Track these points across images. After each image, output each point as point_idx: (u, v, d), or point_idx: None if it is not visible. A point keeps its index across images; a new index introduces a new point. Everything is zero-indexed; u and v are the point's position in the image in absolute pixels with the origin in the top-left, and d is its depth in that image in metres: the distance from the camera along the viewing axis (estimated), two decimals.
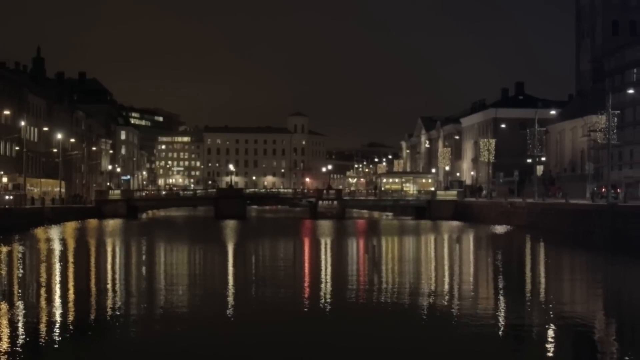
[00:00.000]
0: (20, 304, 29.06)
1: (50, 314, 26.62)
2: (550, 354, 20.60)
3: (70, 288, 34.68)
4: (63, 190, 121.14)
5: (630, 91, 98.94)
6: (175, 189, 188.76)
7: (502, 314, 27.52)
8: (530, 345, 22.08)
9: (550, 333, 23.77)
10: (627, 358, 20.45)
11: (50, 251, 54.27)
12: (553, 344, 21.99)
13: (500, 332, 23.92)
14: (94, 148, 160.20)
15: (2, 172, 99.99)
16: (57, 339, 22.14)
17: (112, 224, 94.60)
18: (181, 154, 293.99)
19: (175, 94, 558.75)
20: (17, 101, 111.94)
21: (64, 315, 26.65)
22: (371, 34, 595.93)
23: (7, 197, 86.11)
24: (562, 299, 32.24)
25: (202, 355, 20.27)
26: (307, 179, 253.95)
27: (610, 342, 23.24)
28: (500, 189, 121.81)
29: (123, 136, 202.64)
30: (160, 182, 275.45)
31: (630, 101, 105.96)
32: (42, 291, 33.38)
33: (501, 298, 31.99)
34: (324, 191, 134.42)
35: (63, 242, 64.31)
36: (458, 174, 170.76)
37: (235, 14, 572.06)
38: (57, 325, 24.62)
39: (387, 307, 28.95)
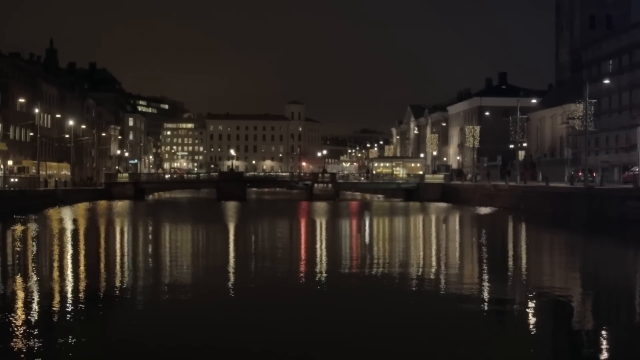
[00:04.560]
0: (34, 278, 29.02)
1: (63, 288, 26.60)
2: (531, 326, 20.61)
3: (82, 264, 34.63)
4: (68, 173, 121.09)
5: (606, 81, 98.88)
6: (178, 172, 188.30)
7: (486, 289, 27.53)
8: (512, 318, 22.09)
9: (531, 306, 23.79)
10: (602, 328, 20.46)
11: (62, 230, 54.21)
12: (534, 317, 22.00)
13: (483, 305, 23.92)
14: (103, 134, 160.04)
15: (11, 156, 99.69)
16: (70, 311, 22.11)
17: (121, 204, 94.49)
18: (185, 139, 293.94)
19: (180, 84, 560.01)
20: (32, 90, 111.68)
21: (76, 288, 26.62)
22: (365, 30, 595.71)
23: (12, 180, 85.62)
24: (542, 275, 32.27)
25: (205, 325, 20.24)
26: (304, 163, 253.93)
27: (587, 314, 23.26)
28: (484, 173, 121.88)
29: (131, 123, 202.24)
30: (166, 165, 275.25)
31: (606, 90, 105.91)
32: (55, 266, 33.37)
33: (485, 274, 32.00)
34: (320, 174, 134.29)
35: (75, 221, 64.23)
36: (445, 159, 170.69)
37: (238, 14, 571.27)
38: (70, 297, 24.60)
39: (378, 282, 28.93)
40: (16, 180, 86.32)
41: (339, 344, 17.98)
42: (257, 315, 21.66)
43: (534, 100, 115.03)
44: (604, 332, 19.89)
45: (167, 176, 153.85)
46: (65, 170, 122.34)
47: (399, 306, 23.33)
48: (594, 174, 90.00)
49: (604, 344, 18.50)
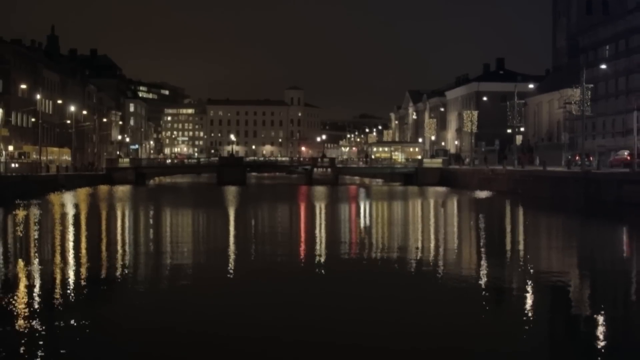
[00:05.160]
0: (36, 262, 29.02)
1: (65, 271, 26.58)
2: (529, 308, 20.61)
3: (83, 247, 34.65)
4: (69, 158, 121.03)
5: (603, 66, 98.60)
6: (178, 157, 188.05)
7: (484, 271, 27.53)
8: (510, 300, 22.09)
9: (529, 289, 23.78)
10: (599, 309, 20.48)
11: (64, 214, 54.20)
12: (531, 299, 22.00)
13: (482, 289, 23.94)
14: (104, 119, 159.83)
15: (13, 141, 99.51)
16: (72, 294, 22.12)
17: (122, 189, 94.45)
18: (186, 124, 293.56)
19: (180, 70, 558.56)
20: (33, 76, 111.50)
21: (78, 272, 26.61)
22: (364, 18, 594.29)
23: (13, 165, 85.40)
24: (539, 257, 32.29)
25: (206, 307, 20.26)
26: (303, 148, 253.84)
27: (583, 295, 23.29)
28: (481, 157, 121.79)
29: (132, 108, 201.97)
30: (167, 151, 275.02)
31: (603, 76, 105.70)
32: (57, 250, 33.36)
33: (483, 257, 32.01)
34: (319, 159, 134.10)
35: (76, 206, 64.22)
36: (443, 143, 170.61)
37: (239, 1, 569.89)
38: (72, 281, 24.60)
39: (376, 265, 28.96)
40: (17, 165, 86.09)
41: (338, 327, 17.98)
42: (256, 298, 21.66)
43: (531, 86, 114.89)
44: (600, 314, 19.89)
45: (168, 161, 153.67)
46: (66, 156, 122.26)
47: (398, 289, 23.33)
48: (591, 158, 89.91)
49: (601, 326, 18.50)
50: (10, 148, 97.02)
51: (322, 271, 27.32)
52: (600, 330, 17.97)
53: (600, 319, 19.30)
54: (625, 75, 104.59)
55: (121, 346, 16.04)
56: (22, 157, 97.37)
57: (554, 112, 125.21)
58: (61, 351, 15.62)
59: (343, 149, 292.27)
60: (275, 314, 19.29)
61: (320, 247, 34.90)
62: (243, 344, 16.13)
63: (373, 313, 19.56)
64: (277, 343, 16.24)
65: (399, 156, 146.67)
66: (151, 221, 51.24)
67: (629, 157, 78.38)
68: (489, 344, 16.48)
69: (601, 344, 16.66)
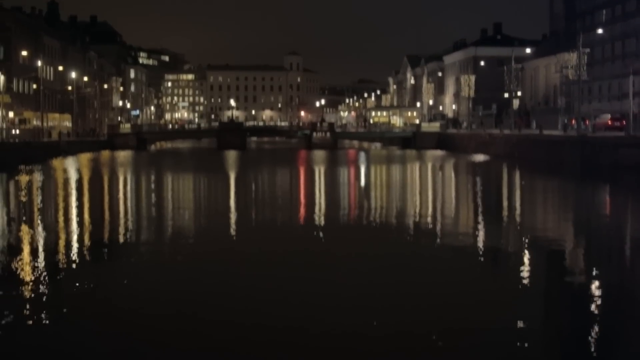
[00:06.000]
0: (39, 227, 29.09)
1: (68, 236, 26.63)
2: (524, 269, 20.68)
3: (86, 212, 34.69)
4: (70, 124, 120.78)
5: (600, 31, 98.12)
6: (179, 122, 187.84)
7: (481, 233, 27.60)
8: (507, 262, 22.14)
9: (525, 251, 23.85)
10: (594, 271, 20.56)
11: (67, 179, 54.24)
12: (527, 261, 22.07)
13: (478, 249, 23.99)
14: (105, 86, 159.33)
15: (15, 108, 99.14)
16: (74, 259, 22.16)
17: (123, 154, 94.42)
18: (186, 90, 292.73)
19: (180, 36, 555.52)
20: (34, 43, 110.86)
21: (80, 236, 26.66)
22: None
23: (13, 132, 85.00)
24: (535, 220, 32.38)
25: (206, 270, 20.33)
26: (302, 113, 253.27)
27: (579, 257, 23.37)
28: (479, 121, 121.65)
29: (132, 74, 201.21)
30: (167, 116, 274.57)
31: (600, 40, 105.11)
32: (60, 215, 33.41)
33: (480, 219, 32.09)
34: (318, 124, 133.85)
35: (79, 171, 64.26)
36: (441, 108, 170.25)
37: None
38: (74, 245, 24.64)
39: (375, 227, 29.04)
40: (17, 132, 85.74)
41: (336, 290, 18.06)
42: (257, 261, 21.70)
43: (528, 50, 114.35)
44: (595, 276, 19.96)
45: (169, 126, 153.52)
46: (67, 122, 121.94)
47: (396, 251, 23.37)
48: (587, 122, 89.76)
49: (596, 288, 18.58)
50: (11, 114, 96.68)
51: (322, 234, 27.35)
52: (595, 292, 18.02)
53: (595, 280, 19.37)
54: (622, 40, 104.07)
55: (123, 308, 16.11)
56: (23, 123, 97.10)
57: (550, 76, 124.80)
58: (64, 313, 15.70)
59: (342, 113, 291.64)
60: (276, 276, 19.35)
61: (320, 210, 34.92)
62: (244, 304, 16.20)
63: (371, 275, 19.61)
64: (278, 303, 16.31)
65: (397, 120, 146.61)
66: (153, 186, 51.27)
67: (609, 122, 79.47)
68: (486, 307, 16.55)
69: (595, 305, 16.73)
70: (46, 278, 19.02)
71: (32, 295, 17.19)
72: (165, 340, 13.68)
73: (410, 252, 23.27)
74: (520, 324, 14.71)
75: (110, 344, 13.52)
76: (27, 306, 16.04)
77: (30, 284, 18.28)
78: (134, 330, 14.42)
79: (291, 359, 12.74)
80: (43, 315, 15.38)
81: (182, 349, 13.18)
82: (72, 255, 22.54)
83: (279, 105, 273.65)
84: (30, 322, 14.92)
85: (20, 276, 19.13)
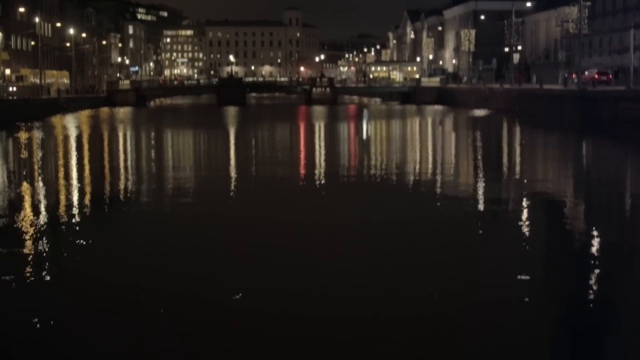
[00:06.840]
0: (40, 183, 29.02)
1: (67, 192, 26.55)
2: (524, 224, 20.64)
3: (86, 169, 34.64)
4: (67, 81, 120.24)
5: None
6: (178, 79, 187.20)
7: (481, 187, 27.55)
8: (507, 216, 22.08)
9: (525, 205, 23.80)
10: (593, 225, 20.51)
11: (66, 136, 54.11)
12: (528, 215, 22.03)
13: (478, 205, 23.93)
14: (104, 42, 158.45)
15: (12, 65, 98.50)
16: (74, 215, 22.12)
17: (123, 111, 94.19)
18: (185, 46, 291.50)
19: None
20: None
21: (81, 193, 26.59)
22: None
23: (10, 89, 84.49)
24: (535, 174, 32.34)
25: (207, 224, 20.29)
26: (302, 68, 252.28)
27: (579, 211, 23.32)
28: (479, 76, 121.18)
29: (131, 31, 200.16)
30: (167, 72, 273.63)
31: None
32: (60, 172, 33.36)
33: (480, 173, 32.03)
34: (318, 79, 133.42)
35: (78, 128, 64.11)
36: (441, 63, 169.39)
37: None
38: (74, 202, 24.59)
39: (375, 182, 28.96)
40: (14, 89, 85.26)
41: (337, 247, 18.02)
42: (255, 212, 21.64)
43: (529, 4, 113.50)
44: (594, 229, 19.91)
45: (167, 82, 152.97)
46: (64, 79, 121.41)
47: (396, 205, 23.32)
48: (574, 77, 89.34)
49: (595, 241, 18.54)
50: (7, 72, 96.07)
51: (323, 190, 27.31)
52: (595, 245, 17.99)
53: (595, 233, 19.32)
54: None
55: (124, 264, 16.08)
56: (20, 80, 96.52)
57: (551, 30, 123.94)
58: (65, 270, 15.67)
59: (342, 68, 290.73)
60: (275, 231, 19.32)
61: (320, 165, 34.86)
62: (245, 259, 16.17)
63: (372, 229, 19.58)
64: (279, 255, 16.27)
65: (397, 75, 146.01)
66: (152, 142, 51.16)
67: (596, 76, 79.33)
68: (487, 262, 16.52)
69: (595, 257, 16.69)
70: (46, 235, 18.97)
71: (32, 252, 17.13)
72: (166, 299, 13.62)
73: (411, 207, 23.18)
74: (521, 277, 14.66)
75: (109, 301, 13.46)
76: (27, 263, 15.98)
77: (30, 240, 18.23)
78: (134, 288, 14.36)
79: (293, 318, 12.70)
80: (43, 273, 15.34)
81: (183, 307, 13.14)
82: (71, 211, 22.48)
83: (279, 61, 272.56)
84: (31, 280, 14.87)
85: (20, 233, 19.07)
